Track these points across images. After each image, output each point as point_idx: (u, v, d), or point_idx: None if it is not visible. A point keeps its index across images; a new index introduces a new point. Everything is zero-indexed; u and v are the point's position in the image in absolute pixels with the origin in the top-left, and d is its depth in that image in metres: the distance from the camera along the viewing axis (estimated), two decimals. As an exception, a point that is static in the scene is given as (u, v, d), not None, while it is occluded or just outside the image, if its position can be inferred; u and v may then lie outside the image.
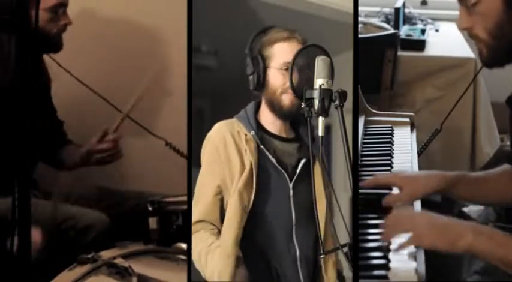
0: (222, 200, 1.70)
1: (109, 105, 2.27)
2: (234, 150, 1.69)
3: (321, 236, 1.69)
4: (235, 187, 1.66)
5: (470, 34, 1.52)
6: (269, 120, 1.77)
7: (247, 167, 1.67)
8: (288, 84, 1.68)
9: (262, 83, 1.73)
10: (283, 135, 1.77)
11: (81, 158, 2.30)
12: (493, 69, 1.53)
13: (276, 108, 1.74)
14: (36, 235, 1.87)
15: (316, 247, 1.73)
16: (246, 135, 1.71)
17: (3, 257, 1.46)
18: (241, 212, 1.65)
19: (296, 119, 1.79)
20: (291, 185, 1.72)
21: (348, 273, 1.53)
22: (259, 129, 1.74)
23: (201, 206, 1.69)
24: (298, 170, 1.73)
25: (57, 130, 2.39)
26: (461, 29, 1.53)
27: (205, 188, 1.70)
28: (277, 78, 1.73)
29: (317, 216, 1.64)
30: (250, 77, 1.74)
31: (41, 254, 1.84)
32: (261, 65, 1.73)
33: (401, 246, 1.45)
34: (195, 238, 1.67)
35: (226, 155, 1.69)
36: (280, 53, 1.73)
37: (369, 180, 1.75)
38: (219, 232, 1.69)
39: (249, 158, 1.67)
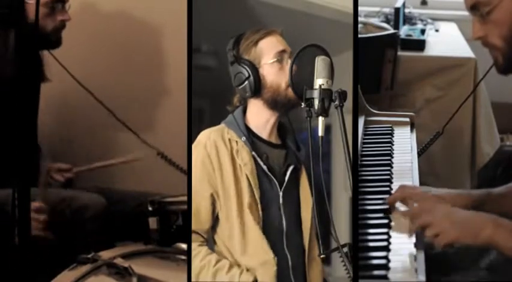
0: (214, 209, 1.70)
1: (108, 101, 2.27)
2: (226, 158, 1.68)
3: (305, 244, 1.71)
4: (239, 208, 1.65)
5: (484, 43, 1.53)
6: (261, 124, 1.75)
7: (245, 183, 1.66)
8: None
9: (258, 86, 1.72)
10: (273, 140, 1.77)
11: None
12: (508, 75, 1.53)
13: (279, 105, 1.73)
14: (39, 205, 1.89)
15: (305, 254, 1.74)
16: (237, 142, 1.70)
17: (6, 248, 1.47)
18: (258, 226, 1.66)
19: (283, 127, 1.79)
20: (280, 193, 1.72)
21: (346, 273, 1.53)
22: (250, 134, 1.73)
23: (192, 216, 1.68)
24: (286, 178, 1.73)
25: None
26: (475, 38, 1.53)
27: (197, 196, 1.69)
28: (275, 73, 1.71)
29: (302, 223, 1.69)
30: (244, 84, 1.71)
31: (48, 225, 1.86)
32: (252, 68, 1.71)
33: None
34: None
35: (218, 162, 1.68)
36: (268, 47, 1.72)
37: (396, 195, 1.71)
38: (208, 243, 1.70)
39: (245, 172, 1.67)
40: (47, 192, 2.08)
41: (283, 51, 1.73)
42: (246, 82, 1.71)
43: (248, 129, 1.74)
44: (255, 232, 1.65)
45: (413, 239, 1.49)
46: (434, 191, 1.70)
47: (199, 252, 1.66)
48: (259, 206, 1.67)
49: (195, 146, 1.72)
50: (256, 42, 1.73)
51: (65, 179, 2.34)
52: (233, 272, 1.63)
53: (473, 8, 1.51)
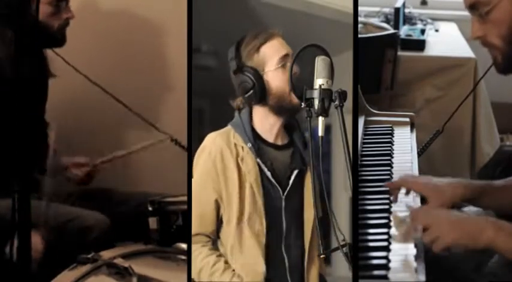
0: (218, 213, 1.71)
1: (110, 100, 2.26)
2: (232, 164, 1.69)
3: (305, 245, 1.72)
4: (239, 215, 1.66)
5: (483, 42, 1.53)
6: (267, 127, 1.75)
7: (248, 190, 1.67)
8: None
9: (264, 93, 1.71)
10: (279, 142, 1.77)
11: (57, 167, 2.31)
12: (507, 75, 1.53)
13: (285, 109, 1.73)
14: (36, 242, 1.88)
15: (304, 255, 1.74)
16: (243, 147, 1.71)
17: (3, 260, 1.46)
18: (257, 240, 1.67)
19: (290, 123, 1.79)
20: (283, 197, 1.73)
21: (347, 273, 1.53)
22: (256, 139, 1.73)
23: (197, 220, 1.69)
24: (290, 182, 1.73)
25: (42, 130, 2.38)
26: (474, 38, 1.52)
27: (201, 202, 1.69)
28: (279, 79, 1.71)
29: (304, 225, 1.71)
30: (250, 93, 1.70)
31: (43, 260, 1.85)
32: (257, 76, 1.70)
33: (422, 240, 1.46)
34: (192, 251, 1.68)
35: (223, 168, 1.68)
36: (271, 53, 1.71)
37: (396, 182, 1.72)
38: (213, 243, 1.71)
39: (249, 180, 1.67)
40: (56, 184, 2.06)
41: (286, 56, 1.72)
42: (252, 91, 1.70)
43: (254, 133, 1.74)
44: (251, 241, 1.67)
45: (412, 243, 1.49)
46: (435, 180, 1.70)
47: (201, 253, 1.68)
48: (262, 213, 1.68)
49: (200, 151, 1.72)
50: (258, 48, 1.71)
51: (84, 174, 2.32)
52: (226, 274, 1.65)
53: (472, 8, 1.51)
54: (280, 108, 1.73)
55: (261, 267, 1.66)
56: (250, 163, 1.69)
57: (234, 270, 1.67)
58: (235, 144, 1.70)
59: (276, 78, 1.71)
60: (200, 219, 1.69)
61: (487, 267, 1.64)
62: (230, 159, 1.69)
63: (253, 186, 1.67)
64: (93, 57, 2.60)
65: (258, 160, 1.70)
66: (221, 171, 1.68)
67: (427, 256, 1.46)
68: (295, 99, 1.68)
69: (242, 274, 1.66)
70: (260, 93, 1.70)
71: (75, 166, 2.32)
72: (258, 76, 1.70)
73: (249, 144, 1.70)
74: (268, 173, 1.71)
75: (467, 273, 1.67)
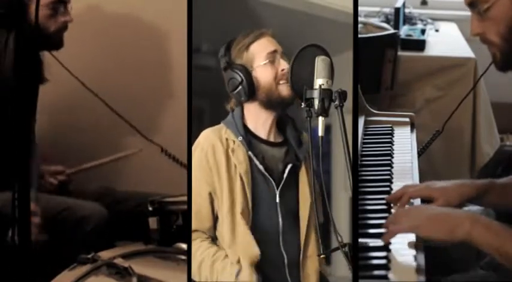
0: (213, 208, 1.71)
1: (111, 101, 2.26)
2: (222, 157, 1.69)
3: (301, 242, 1.71)
4: (230, 206, 1.66)
5: (482, 39, 1.54)
6: (259, 124, 1.76)
7: (238, 182, 1.67)
8: (280, 72, 1.70)
9: (253, 88, 1.72)
10: (271, 139, 1.77)
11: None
12: (507, 72, 1.54)
13: (274, 104, 1.73)
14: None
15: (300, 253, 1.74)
16: (234, 141, 1.71)
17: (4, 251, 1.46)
18: (247, 224, 1.66)
19: (283, 121, 1.79)
20: (277, 192, 1.72)
21: (347, 273, 1.53)
22: (247, 134, 1.74)
23: (193, 216, 1.69)
24: (284, 176, 1.73)
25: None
26: (474, 35, 1.53)
27: (195, 197, 1.69)
28: (266, 73, 1.72)
29: (300, 222, 1.70)
30: (238, 89, 1.72)
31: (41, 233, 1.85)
32: (245, 73, 1.72)
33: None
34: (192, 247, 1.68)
35: (215, 162, 1.69)
36: (259, 50, 1.73)
37: (399, 193, 1.72)
38: (213, 239, 1.71)
39: (239, 171, 1.68)
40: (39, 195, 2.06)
41: (274, 52, 1.74)
42: (240, 87, 1.72)
43: (246, 129, 1.74)
44: (244, 230, 1.66)
45: (412, 238, 1.49)
46: (438, 183, 1.70)
47: (201, 246, 1.68)
48: (249, 204, 1.67)
49: (195, 147, 1.73)
50: (247, 47, 1.74)
51: (59, 182, 2.33)
52: (226, 261, 1.66)
53: (471, 5, 1.52)
54: (270, 103, 1.73)
55: (255, 250, 1.65)
56: (240, 155, 1.70)
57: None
58: (226, 139, 1.71)
59: (263, 74, 1.72)
60: (196, 215, 1.69)
61: (487, 258, 1.64)
62: (221, 152, 1.69)
63: (243, 178, 1.67)
64: (93, 58, 2.60)
65: (250, 153, 1.70)
66: (213, 165, 1.69)
67: (428, 247, 1.47)
68: (283, 92, 1.71)
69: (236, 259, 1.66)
70: (248, 89, 1.71)
71: (51, 174, 2.32)
72: (247, 72, 1.72)
73: (240, 138, 1.71)
74: (261, 166, 1.71)
75: (467, 264, 1.67)
